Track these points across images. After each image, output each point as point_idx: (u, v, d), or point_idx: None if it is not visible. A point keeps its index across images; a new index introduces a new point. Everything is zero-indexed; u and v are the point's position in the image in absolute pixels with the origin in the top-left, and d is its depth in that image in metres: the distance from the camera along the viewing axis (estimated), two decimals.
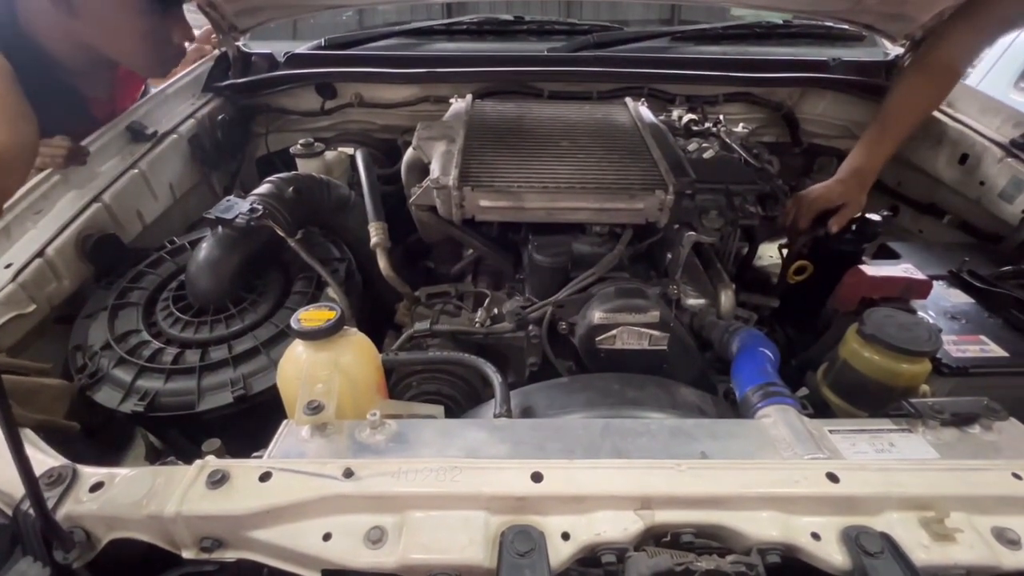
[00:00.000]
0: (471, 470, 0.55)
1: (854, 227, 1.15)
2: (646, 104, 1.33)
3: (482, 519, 0.53)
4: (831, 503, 0.54)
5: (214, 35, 1.57)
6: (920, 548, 0.51)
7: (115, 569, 0.56)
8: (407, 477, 0.55)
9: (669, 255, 1.01)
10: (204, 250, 0.97)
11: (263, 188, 1.06)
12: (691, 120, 1.29)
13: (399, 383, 0.92)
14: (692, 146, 1.17)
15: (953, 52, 1.18)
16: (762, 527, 0.53)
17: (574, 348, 0.95)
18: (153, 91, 1.41)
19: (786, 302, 1.18)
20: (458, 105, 1.27)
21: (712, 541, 0.54)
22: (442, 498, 0.54)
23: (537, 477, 0.54)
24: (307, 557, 0.52)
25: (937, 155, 1.41)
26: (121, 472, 0.56)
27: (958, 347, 0.85)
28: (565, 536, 0.52)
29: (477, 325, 0.95)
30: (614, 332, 0.88)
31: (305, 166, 1.31)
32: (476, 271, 1.19)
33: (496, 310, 0.98)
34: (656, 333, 0.88)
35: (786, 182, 1.40)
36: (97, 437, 0.90)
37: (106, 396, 0.85)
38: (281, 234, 0.98)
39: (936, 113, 1.43)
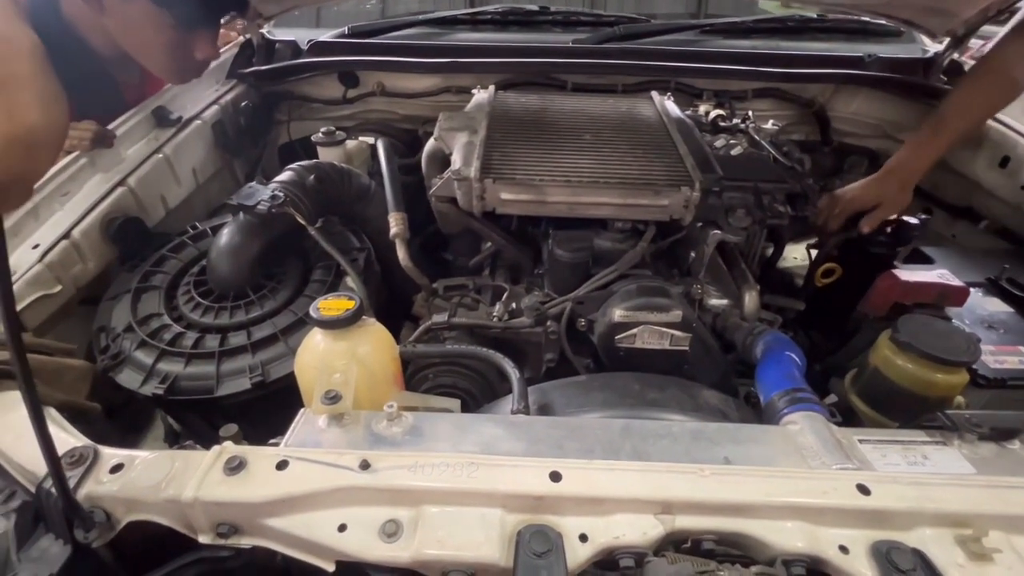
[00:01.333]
0: (488, 467, 0.55)
1: (889, 229, 1.11)
2: (672, 98, 1.30)
3: (498, 517, 0.52)
4: (861, 516, 0.52)
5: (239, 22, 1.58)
6: (955, 567, 0.48)
7: (133, 550, 0.56)
8: (424, 471, 0.54)
9: (693, 254, 0.98)
10: (225, 236, 0.97)
11: (284, 176, 1.06)
12: (718, 115, 1.25)
13: (415, 375, 0.92)
14: (719, 142, 1.14)
15: (1015, 62, 1.12)
16: (787, 537, 0.51)
17: (593, 346, 0.94)
18: None
19: (811, 305, 1.15)
20: (480, 96, 1.26)
21: (734, 549, 0.52)
22: (458, 494, 0.53)
23: (556, 476, 0.53)
24: (322, 547, 0.52)
25: (976, 157, 1.35)
26: (141, 455, 0.57)
27: (996, 358, 0.82)
28: (583, 538, 0.51)
29: (495, 319, 0.94)
30: (635, 331, 0.87)
31: (326, 154, 1.31)
32: (494, 264, 1.18)
33: (514, 304, 0.97)
34: (678, 333, 0.86)
35: (816, 181, 1.37)
36: (118, 418, 0.91)
37: (128, 378, 0.86)
38: (302, 222, 0.97)
39: None
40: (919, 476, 0.56)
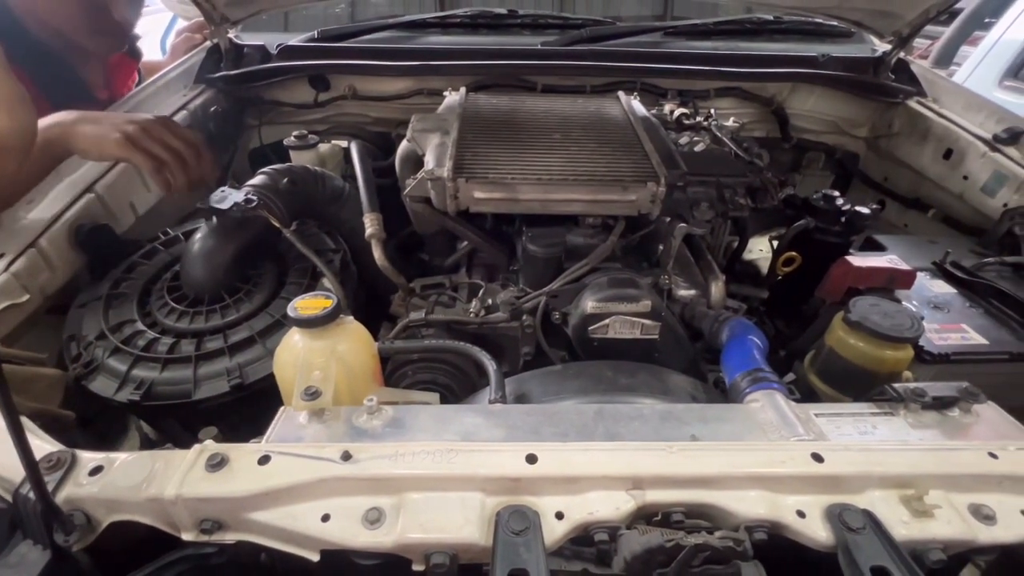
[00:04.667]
0: (467, 453, 0.57)
1: (843, 219, 1.17)
2: (638, 98, 1.34)
3: (478, 500, 0.54)
4: (816, 482, 0.56)
5: (207, 28, 1.56)
6: (900, 524, 0.53)
7: (115, 552, 0.56)
8: (404, 460, 0.56)
9: (661, 246, 1.02)
10: (199, 240, 0.97)
11: (257, 179, 1.06)
12: (682, 114, 1.30)
13: (394, 372, 0.93)
14: (683, 139, 1.19)
15: None
16: (750, 506, 0.54)
17: (568, 338, 0.97)
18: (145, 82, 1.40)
19: (776, 294, 1.20)
20: (452, 98, 1.28)
21: (702, 520, 0.55)
22: (439, 479, 0.55)
23: (532, 459, 0.56)
24: (306, 538, 0.53)
25: (923, 150, 1.44)
26: (120, 456, 0.57)
27: (940, 335, 0.88)
28: (559, 515, 0.53)
29: (472, 315, 0.96)
30: (607, 321, 0.90)
31: (299, 158, 1.31)
32: (470, 263, 1.20)
33: (490, 300, 0.99)
34: (648, 322, 0.90)
35: (775, 176, 1.43)
36: (91, 427, 0.90)
37: (101, 385, 0.85)
38: (276, 224, 0.98)
39: (922, 109, 1.46)
40: (868, 444, 0.60)
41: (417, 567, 0.52)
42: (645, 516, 0.55)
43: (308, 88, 1.56)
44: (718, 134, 1.22)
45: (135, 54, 1.54)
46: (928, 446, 0.59)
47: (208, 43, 1.57)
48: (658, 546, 0.50)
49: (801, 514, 0.54)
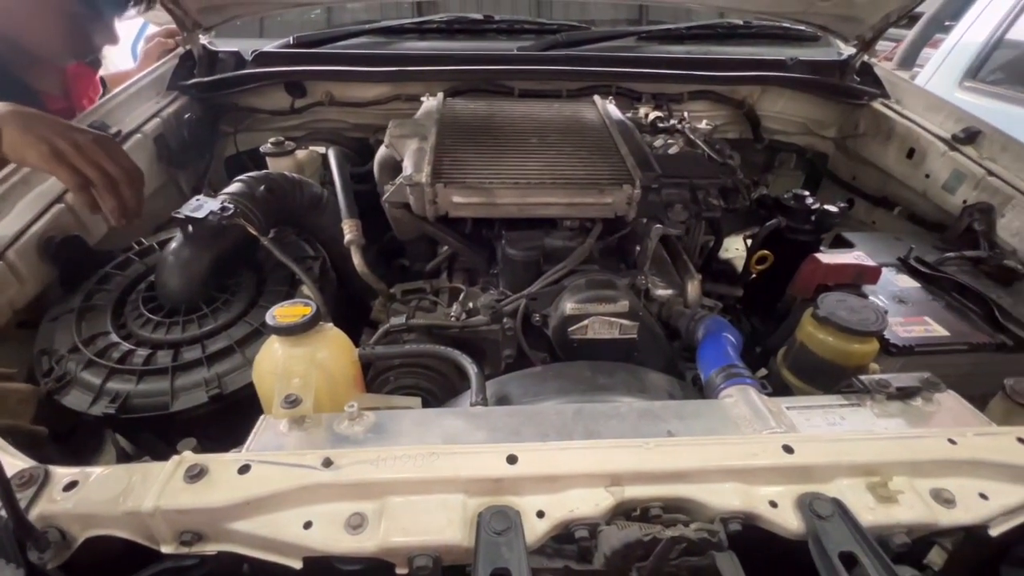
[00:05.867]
0: (448, 455, 0.57)
1: (813, 218, 1.21)
2: (613, 102, 1.36)
3: (460, 501, 0.55)
4: (787, 473, 0.58)
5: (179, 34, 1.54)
6: (867, 510, 0.55)
7: (92, 568, 0.55)
8: (386, 464, 0.56)
9: (638, 248, 1.04)
10: (174, 250, 0.96)
11: (234, 187, 1.05)
12: (657, 117, 1.33)
13: (376, 378, 0.93)
14: (658, 142, 1.21)
15: None
16: (724, 498, 0.56)
17: (548, 340, 0.98)
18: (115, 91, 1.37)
19: (751, 292, 1.23)
20: (430, 103, 1.29)
21: (679, 514, 0.57)
22: (420, 483, 0.55)
23: (512, 459, 0.57)
24: (288, 545, 0.53)
25: (887, 150, 1.49)
26: (96, 471, 0.56)
27: (905, 328, 0.91)
28: (540, 514, 0.54)
29: (452, 319, 0.97)
30: (586, 322, 0.91)
31: (276, 165, 1.30)
32: (451, 268, 1.20)
33: (471, 304, 1.00)
34: (626, 322, 0.92)
35: (748, 178, 1.46)
36: (65, 443, 0.88)
37: (75, 400, 0.83)
38: (253, 232, 0.97)
39: (886, 110, 1.51)
40: (836, 434, 0.63)
41: (400, 571, 0.53)
42: (624, 512, 0.56)
43: (284, 94, 1.55)
44: (691, 136, 1.24)
45: (95, 63, 1.51)
46: (892, 434, 0.62)
47: (181, 49, 1.55)
48: (636, 540, 0.52)
49: (774, 504, 0.56)
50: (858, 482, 0.57)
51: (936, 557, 0.74)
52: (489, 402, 0.74)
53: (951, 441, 0.60)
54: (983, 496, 0.57)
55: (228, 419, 0.86)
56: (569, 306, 0.91)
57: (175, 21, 1.45)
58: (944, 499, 0.56)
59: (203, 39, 1.53)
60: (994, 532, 0.57)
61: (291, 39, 1.61)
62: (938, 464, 0.59)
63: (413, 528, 0.52)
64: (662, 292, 1.04)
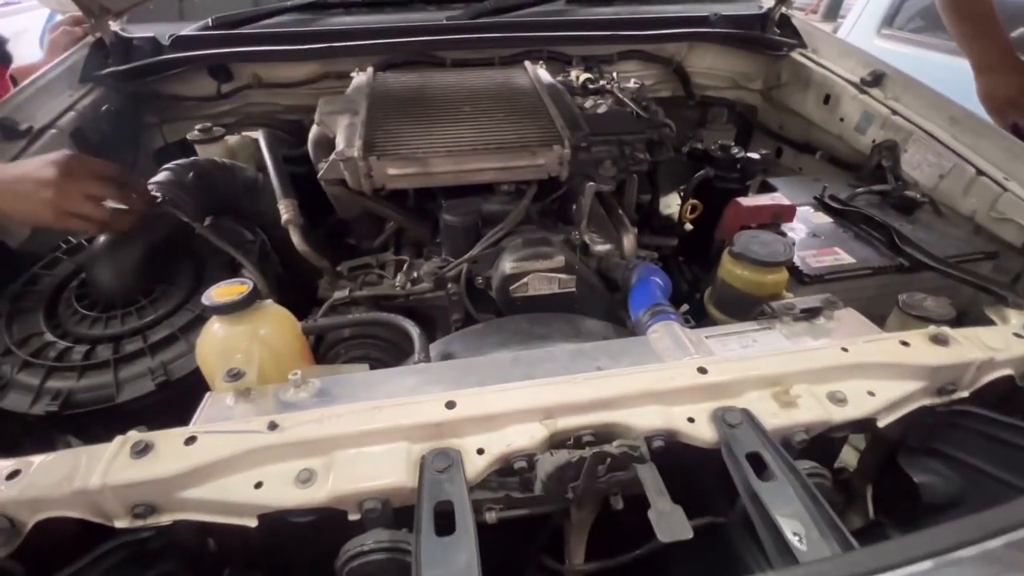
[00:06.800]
0: (390, 408, 0.60)
1: (738, 166, 1.28)
2: (544, 66, 1.38)
3: (404, 448, 0.58)
4: (702, 391, 0.64)
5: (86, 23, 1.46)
6: (771, 416, 0.61)
7: (50, 551, 0.56)
8: (330, 422, 0.59)
9: (574, 206, 1.08)
10: (104, 245, 0.93)
11: (161, 176, 1.03)
12: (587, 79, 1.35)
13: (327, 352, 0.95)
14: (588, 103, 1.24)
15: None
16: (648, 420, 0.61)
17: (493, 301, 1.02)
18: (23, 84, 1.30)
19: (689, 243, 1.30)
20: (360, 78, 1.27)
21: (610, 439, 0.62)
22: (365, 435, 0.58)
23: (451, 405, 0.60)
24: (241, 506, 0.55)
25: (807, 98, 1.57)
26: (39, 458, 0.56)
27: (816, 259, 0.99)
28: (480, 451, 0.59)
29: (397, 288, 0.99)
30: (525, 280, 0.95)
31: (205, 152, 1.27)
32: (398, 243, 1.22)
33: (415, 273, 1.03)
34: (564, 276, 0.96)
35: (683, 134, 1.51)
36: (11, 449, 0.86)
37: (14, 402, 0.82)
38: (185, 219, 0.96)
39: (804, 60, 1.59)
40: (747, 354, 0.69)
41: (353, 517, 0.56)
42: (559, 442, 0.61)
43: (209, 80, 1.49)
44: (620, 95, 1.28)
45: (5, 58, 1.41)
46: (795, 349, 0.68)
47: (90, 38, 1.47)
48: (566, 462, 0.57)
49: (691, 420, 0.62)
50: (764, 393, 0.64)
51: (850, 458, 0.83)
52: (433, 361, 0.77)
53: (844, 349, 0.67)
54: (871, 393, 0.65)
55: (178, 406, 0.86)
56: (508, 265, 0.94)
57: (80, 7, 1.37)
58: (837, 399, 0.63)
59: (114, 25, 1.45)
60: (881, 423, 0.64)
61: (210, 20, 1.55)
62: (832, 370, 0.66)
63: (361, 476, 0.56)
64: (600, 247, 1.09)
